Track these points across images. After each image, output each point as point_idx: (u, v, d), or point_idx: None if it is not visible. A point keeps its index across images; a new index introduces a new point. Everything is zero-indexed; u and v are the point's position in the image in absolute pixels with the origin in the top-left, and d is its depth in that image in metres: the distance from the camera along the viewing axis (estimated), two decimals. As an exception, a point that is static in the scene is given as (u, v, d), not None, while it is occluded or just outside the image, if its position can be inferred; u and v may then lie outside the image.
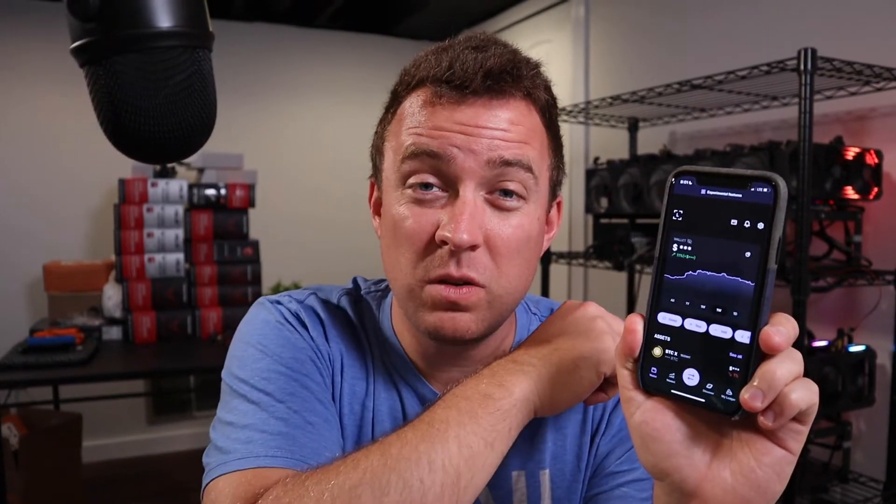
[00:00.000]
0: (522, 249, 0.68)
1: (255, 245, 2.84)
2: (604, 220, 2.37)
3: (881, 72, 1.65)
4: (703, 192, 0.47)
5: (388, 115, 0.72)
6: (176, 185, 2.71)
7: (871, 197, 1.79)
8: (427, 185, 0.66)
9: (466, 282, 0.66)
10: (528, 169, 0.66)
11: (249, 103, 3.75)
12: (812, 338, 1.83)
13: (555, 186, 0.74)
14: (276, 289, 3.50)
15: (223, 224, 2.79)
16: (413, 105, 0.68)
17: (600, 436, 0.76)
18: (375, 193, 0.76)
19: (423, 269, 0.67)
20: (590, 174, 2.37)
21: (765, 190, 0.44)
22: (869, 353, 1.77)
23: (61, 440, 2.75)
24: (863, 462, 1.90)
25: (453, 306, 0.66)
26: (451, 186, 0.66)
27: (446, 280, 0.66)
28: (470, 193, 0.65)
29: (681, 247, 0.47)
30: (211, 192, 2.78)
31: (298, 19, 3.81)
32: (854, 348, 1.77)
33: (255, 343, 0.71)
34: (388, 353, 0.77)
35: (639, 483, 0.72)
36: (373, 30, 4.04)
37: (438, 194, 0.66)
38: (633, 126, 2.59)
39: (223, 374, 0.71)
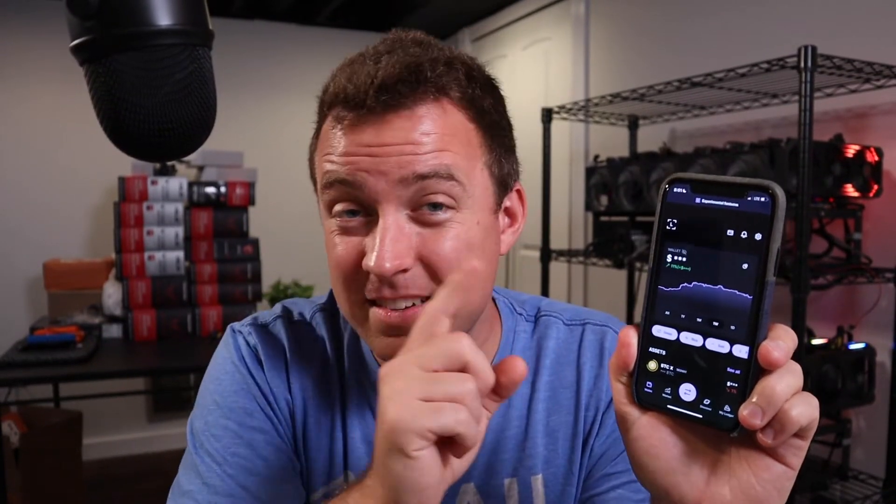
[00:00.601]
0: (465, 260, 0.64)
1: (255, 243, 2.84)
2: (604, 218, 2.37)
3: (881, 69, 1.65)
4: (697, 200, 0.45)
5: (313, 139, 0.70)
6: (176, 183, 2.70)
7: (871, 195, 1.79)
8: (351, 212, 0.64)
9: (409, 301, 0.63)
10: (450, 177, 0.62)
11: (249, 101, 3.76)
12: (812, 335, 1.84)
13: (503, 180, 0.69)
14: (276, 287, 3.50)
15: (223, 222, 2.79)
16: (327, 129, 0.65)
17: (594, 437, 0.74)
18: None
19: (359, 293, 0.65)
20: (590, 172, 2.36)
21: (762, 199, 0.43)
22: (868, 351, 1.77)
23: (61, 438, 2.75)
24: (862, 459, 1.90)
25: (399, 330, 0.63)
26: (371, 211, 0.63)
27: (383, 302, 0.63)
28: (390, 217, 0.61)
29: (675, 257, 0.46)
30: (211, 189, 2.77)
31: (298, 17, 3.81)
32: (854, 346, 1.77)
33: (212, 391, 0.72)
34: (363, 370, 0.74)
35: (634, 484, 0.71)
36: (373, 27, 4.04)
37: (362, 220, 0.64)
38: (633, 124, 2.59)
39: (190, 415, 0.73)
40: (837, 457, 1.83)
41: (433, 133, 0.62)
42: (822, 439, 1.84)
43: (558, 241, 3.07)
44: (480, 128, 0.66)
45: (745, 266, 0.43)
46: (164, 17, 0.48)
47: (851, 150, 1.75)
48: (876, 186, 1.78)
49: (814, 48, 1.53)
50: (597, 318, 0.79)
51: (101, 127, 0.50)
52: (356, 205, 0.63)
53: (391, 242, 0.60)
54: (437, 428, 0.45)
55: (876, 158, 1.78)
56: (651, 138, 2.55)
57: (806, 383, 1.63)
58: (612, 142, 2.79)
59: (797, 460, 0.44)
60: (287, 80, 3.88)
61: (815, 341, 1.80)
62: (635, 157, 2.25)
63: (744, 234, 0.43)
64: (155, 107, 0.49)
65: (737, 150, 1.80)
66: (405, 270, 0.62)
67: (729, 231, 0.44)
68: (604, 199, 2.28)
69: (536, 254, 2.74)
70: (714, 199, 0.44)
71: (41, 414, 2.89)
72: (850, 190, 1.75)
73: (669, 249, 0.46)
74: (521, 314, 0.79)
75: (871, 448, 1.89)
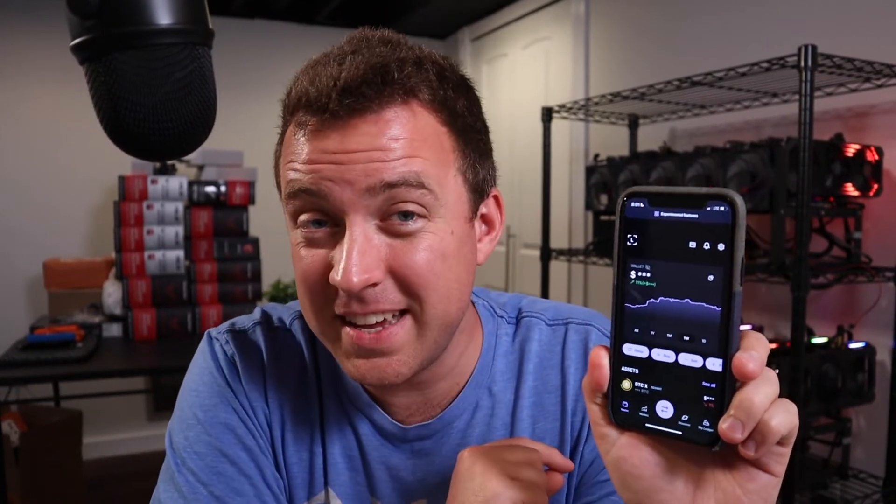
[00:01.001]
0: (440, 271, 0.60)
1: (255, 242, 2.84)
2: (604, 217, 2.37)
3: (881, 68, 1.65)
4: (656, 214, 0.44)
5: (278, 145, 0.66)
6: (176, 183, 2.70)
7: (871, 194, 1.79)
8: (317, 222, 0.60)
9: (380, 316, 0.60)
10: (420, 185, 0.58)
11: (249, 100, 3.75)
12: (812, 334, 1.84)
13: (479, 186, 0.65)
14: (276, 286, 3.50)
15: (223, 221, 2.79)
16: (291, 134, 0.61)
17: (583, 443, 0.71)
18: None
19: (328, 308, 0.61)
20: (590, 171, 2.37)
21: (722, 209, 0.41)
22: (868, 350, 1.77)
23: (61, 437, 2.75)
24: (862, 458, 1.90)
25: (371, 352, 0.60)
26: (338, 221, 0.59)
27: (353, 318, 0.60)
28: (357, 228, 0.58)
29: (639, 273, 0.45)
30: (211, 189, 2.77)
31: (298, 16, 3.81)
32: (854, 345, 1.78)
33: (191, 403, 0.69)
34: (340, 382, 0.72)
35: None
36: (373, 27, 4.03)
37: (329, 230, 0.60)
38: (633, 123, 2.59)
39: (168, 425, 0.71)
40: (837, 456, 1.83)
41: (402, 138, 0.58)
42: (822, 438, 1.84)
43: (558, 241, 3.07)
44: (453, 131, 0.62)
45: (710, 278, 0.42)
46: (164, 16, 0.48)
47: (851, 150, 1.75)
48: (876, 185, 1.78)
49: (814, 47, 1.52)
50: (579, 316, 0.76)
51: (100, 126, 0.50)
52: (322, 215, 0.60)
53: (359, 255, 0.57)
54: (528, 500, 0.58)
55: (876, 158, 1.78)
56: (651, 137, 2.55)
57: (806, 382, 1.63)
58: (612, 141, 2.79)
59: (781, 468, 0.43)
60: (287, 79, 3.85)
61: (816, 340, 1.80)
62: (635, 156, 2.25)
63: (706, 246, 0.42)
64: (155, 106, 0.49)
65: (737, 149, 1.80)
66: (374, 284, 0.58)
67: (691, 243, 0.43)
68: (604, 199, 2.28)
69: (536, 253, 2.74)
70: (673, 212, 0.43)
71: (41, 413, 2.89)
72: (851, 189, 1.75)
73: (632, 266, 0.45)
74: (501, 317, 0.76)
75: (871, 447, 1.89)
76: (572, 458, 0.72)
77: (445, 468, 0.71)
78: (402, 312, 0.61)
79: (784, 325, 2.07)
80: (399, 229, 0.59)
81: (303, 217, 0.61)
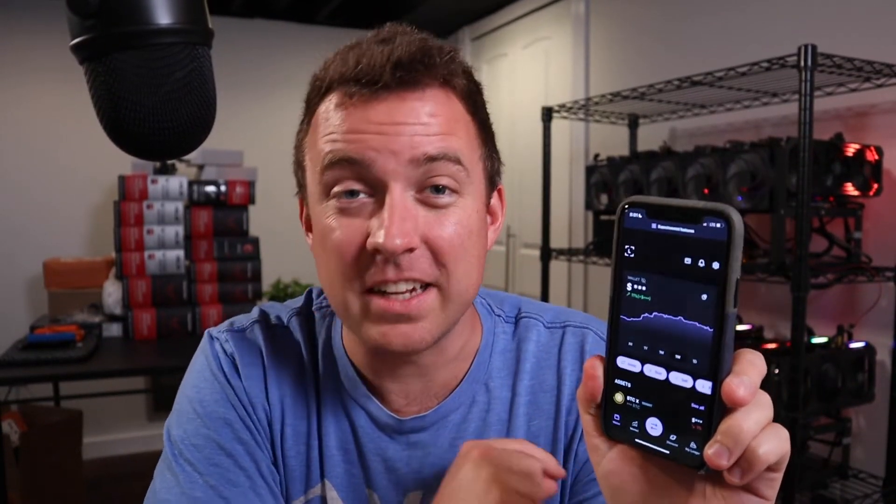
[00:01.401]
0: (467, 246, 0.64)
1: (255, 242, 2.84)
2: (604, 217, 2.38)
3: (881, 68, 1.65)
4: (653, 226, 0.43)
5: (304, 125, 0.69)
6: (176, 182, 2.70)
7: (871, 193, 1.79)
8: (352, 193, 0.62)
9: (411, 284, 0.62)
10: (457, 161, 0.63)
11: (249, 100, 3.75)
12: (812, 334, 1.84)
13: (492, 176, 0.70)
14: (277, 285, 3.50)
15: (223, 221, 2.79)
16: (327, 110, 0.64)
17: (577, 442, 0.73)
18: (305, 210, 0.73)
19: (358, 280, 0.63)
20: (590, 171, 2.37)
21: (718, 225, 0.40)
22: (868, 350, 1.77)
23: (62, 437, 2.75)
24: (862, 458, 1.90)
25: (399, 318, 0.63)
26: (377, 191, 0.62)
27: (385, 287, 0.62)
28: (398, 195, 0.61)
29: (635, 286, 0.44)
30: (211, 188, 2.77)
31: (298, 16, 3.81)
32: (854, 345, 1.78)
33: (191, 398, 0.71)
34: (339, 375, 0.74)
35: None
36: (372, 26, 3.98)
37: (365, 200, 0.62)
38: (633, 123, 2.59)
39: (167, 421, 0.72)
40: (837, 455, 1.83)
41: (441, 116, 0.63)
42: (822, 438, 1.84)
43: (558, 240, 3.07)
44: (476, 121, 0.67)
45: (704, 297, 0.41)
46: (163, 15, 0.48)
47: (851, 149, 1.75)
48: (876, 185, 1.78)
49: (814, 47, 1.52)
50: (577, 320, 0.78)
51: (100, 126, 0.50)
52: (361, 184, 0.62)
53: (399, 220, 0.60)
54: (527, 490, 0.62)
55: (876, 157, 1.78)
56: (651, 137, 2.55)
57: (806, 382, 1.63)
58: (612, 140, 2.79)
59: (771, 492, 0.42)
60: (287, 78, 3.87)
61: (815, 340, 1.80)
62: (635, 155, 2.25)
63: (701, 263, 0.41)
64: (155, 105, 0.49)
65: (737, 148, 1.80)
66: (411, 250, 0.61)
67: (686, 259, 0.41)
68: (604, 198, 2.29)
69: (536, 253, 2.74)
70: (670, 225, 0.42)
71: (41, 412, 2.89)
72: (851, 189, 1.75)
73: (629, 277, 0.44)
74: (499, 315, 0.78)
75: (871, 447, 1.89)
76: (567, 456, 0.73)
77: (441, 461, 0.72)
78: (428, 286, 0.64)
79: (784, 325, 2.07)
80: (433, 201, 0.63)
81: (337, 188, 0.63)
